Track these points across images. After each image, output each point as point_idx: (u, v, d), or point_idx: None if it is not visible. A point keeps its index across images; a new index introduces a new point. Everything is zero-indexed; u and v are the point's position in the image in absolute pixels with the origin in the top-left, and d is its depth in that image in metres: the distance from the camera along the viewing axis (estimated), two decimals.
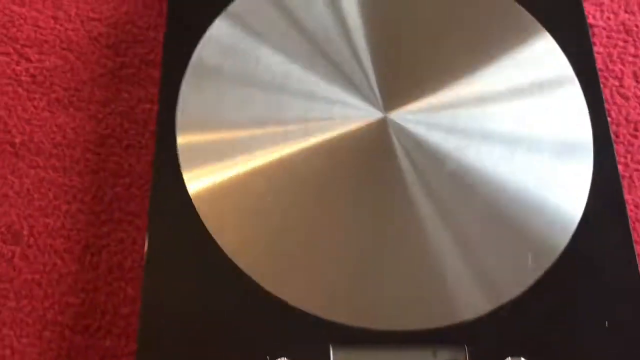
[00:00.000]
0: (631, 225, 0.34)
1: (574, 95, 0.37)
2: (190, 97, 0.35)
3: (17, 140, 0.38)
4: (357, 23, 0.38)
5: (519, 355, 0.31)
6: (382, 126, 0.36)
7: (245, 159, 0.35)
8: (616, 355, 0.32)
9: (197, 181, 0.34)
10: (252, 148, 0.35)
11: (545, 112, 0.37)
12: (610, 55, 0.42)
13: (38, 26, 0.41)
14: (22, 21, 0.41)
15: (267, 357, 0.31)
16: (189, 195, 0.34)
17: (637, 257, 0.33)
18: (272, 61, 0.37)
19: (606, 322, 0.32)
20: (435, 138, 0.35)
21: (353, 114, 0.36)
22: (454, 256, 0.33)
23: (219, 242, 0.33)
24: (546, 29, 0.39)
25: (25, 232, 0.36)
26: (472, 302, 0.32)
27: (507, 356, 0.31)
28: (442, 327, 0.32)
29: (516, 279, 0.33)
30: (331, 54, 0.37)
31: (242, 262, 0.33)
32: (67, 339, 0.34)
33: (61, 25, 0.41)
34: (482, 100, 0.37)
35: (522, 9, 0.39)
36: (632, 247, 0.34)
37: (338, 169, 0.35)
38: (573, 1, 0.40)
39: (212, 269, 0.32)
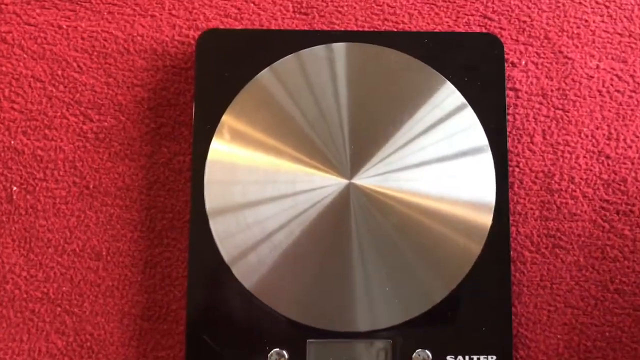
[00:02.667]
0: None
1: (485, 164, 0.52)
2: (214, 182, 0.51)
3: (90, 185, 0.54)
4: (340, 103, 0.52)
5: (424, 348, 0.50)
6: (346, 190, 0.51)
7: (259, 200, 0.51)
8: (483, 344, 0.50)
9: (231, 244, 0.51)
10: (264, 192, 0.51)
11: (460, 175, 0.52)
12: (527, 115, 0.56)
13: (95, 91, 0.55)
14: (83, 87, 0.55)
15: (267, 348, 0.50)
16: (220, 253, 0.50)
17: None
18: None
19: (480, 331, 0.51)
20: (384, 194, 0.51)
21: (328, 183, 0.51)
22: (384, 279, 0.51)
23: (237, 276, 0.50)
24: (471, 104, 0.53)
25: (104, 253, 0.53)
26: (395, 313, 0.50)
27: (417, 348, 0.50)
28: (379, 329, 0.50)
29: (426, 298, 0.51)
30: (315, 135, 0.52)
31: (254, 289, 0.50)
32: (138, 325, 0.53)
33: (113, 90, 0.55)
34: (418, 164, 0.52)
35: (453, 88, 0.53)
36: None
37: (321, 225, 0.51)
38: (498, 82, 0.53)
39: (229, 294, 0.50)
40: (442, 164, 0.52)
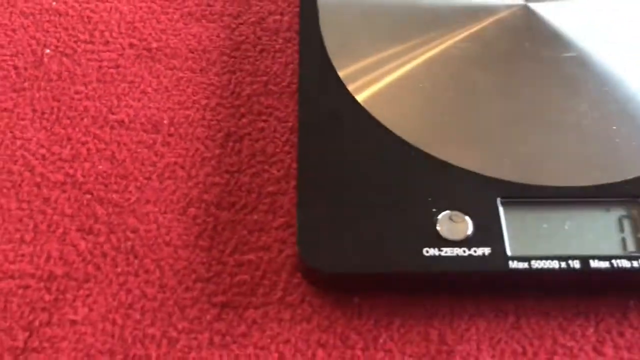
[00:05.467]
0: None
1: None
2: None
3: (153, 46, 0.39)
4: None
5: None
6: (526, 12, 0.36)
7: (393, 43, 0.35)
8: None
9: (346, 60, 0.34)
10: (399, 30, 0.35)
11: None
12: None
13: None
14: None
15: (434, 210, 0.30)
16: (337, 73, 0.34)
17: None
18: None
19: None
20: (579, 23, 0.35)
21: (496, 4, 0.36)
22: (618, 119, 0.32)
23: (374, 114, 0.32)
24: None
25: (165, 122, 0.36)
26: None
27: None
28: (614, 183, 0.31)
29: None
30: None
31: (401, 130, 0.32)
32: (212, 215, 0.33)
33: None
34: None
35: None
36: None
37: (487, 48, 0.35)
38: None
39: (368, 138, 0.32)
40: None
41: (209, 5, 0.40)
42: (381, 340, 0.30)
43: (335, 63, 0.34)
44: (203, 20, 0.40)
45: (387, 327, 0.30)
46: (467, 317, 0.30)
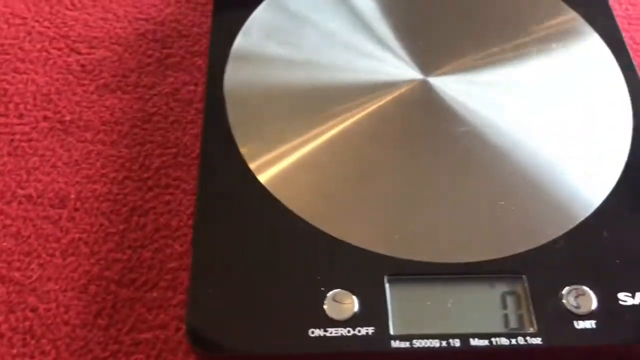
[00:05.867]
0: None
1: (606, 61, 0.39)
2: (239, 63, 0.37)
3: (67, 119, 0.39)
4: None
5: (578, 284, 0.31)
6: (423, 88, 0.37)
7: (295, 122, 0.36)
8: None
9: (248, 137, 0.35)
10: (301, 109, 0.36)
11: (577, 74, 0.38)
12: (633, 38, 0.44)
13: (89, 26, 0.43)
14: (74, 22, 0.43)
15: (322, 289, 0.30)
16: (237, 148, 0.34)
17: None
18: (314, 38, 0.39)
19: None
20: (476, 97, 0.37)
21: (395, 80, 0.37)
22: (506, 194, 0.33)
23: (272, 190, 0.33)
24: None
25: (72, 197, 0.36)
26: (529, 235, 0.32)
27: (566, 285, 0.30)
28: (498, 259, 0.31)
29: (571, 212, 0.33)
30: (369, 30, 0.39)
31: (297, 208, 0.32)
32: (112, 292, 0.33)
33: (110, 24, 0.43)
34: (515, 63, 0.38)
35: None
36: None
37: (386, 124, 0.35)
38: None
39: (262, 213, 0.32)
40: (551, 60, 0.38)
41: (124, 76, 0.41)
42: None
43: (237, 139, 0.34)
44: (118, 92, 0.40)
45: None
46: None
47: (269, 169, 0.33)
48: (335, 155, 0.34)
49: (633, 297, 0.30)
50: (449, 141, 0.35)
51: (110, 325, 0.32)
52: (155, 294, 0.33)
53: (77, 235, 0.35)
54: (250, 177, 0.33)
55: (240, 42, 0.38)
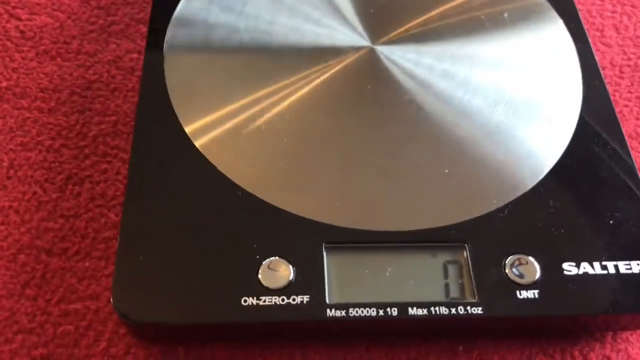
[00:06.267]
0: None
1: (557, 31, 0.38)
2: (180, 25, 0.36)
3: (3, 85, 0.38)
4: None
5: (522, 254, 0.30)
6: (371, 56, 0.36)
7: (235, 87, 0.34)
8: (616, 249, 0.30)
9: (185, 101, 0.33)
10: (242, 75, 0.35)
11: (532, 44, 0.37)
12: (589, 11, 0.43)
13: None
14: None
15: (257, 257, 0.29)
16: (174, 112, 0.33)
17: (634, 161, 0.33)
18: (260, 4, 0.38)
19: (609, 219, 0.31)
20: (423, 66, 0.36)
21: (342, 46, 0.36)
22: (451, 163, 0.32)
23: (208, 156, 0.32)
24: None
25: (5, 164, 0.35)
26: (473, 204, 0.31)
27: (509, 255, 0.30)
28: (441, 227, 0.30)
29: (516, 181, 0.32)
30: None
31: (233, 174, 0.31)
32: (42, 262, 0.32)
33: None
34: (469, 34, 0.37)
35: None
36: (628, 150, 0.33)
37: (330, 92, 0.34)
38: None
39: (197, 179, 0.31)
40: (505, 31, 0.38)
41: (65, 43, 0.40)
42: None
43: (174, 103, 0.33)
44: (58, 59, 0.39)
45: None
46: None
47: (206, 134, 0.32)
48: (276, 122, 0.33)
49: (577, 267, 0.30)
50: (394, 110, 0.34)
51: (38, 295, 0.31)
52: (87, 264, 0.32)
53: (7, 204, 0.33)
54: (186, 142, 0.32)
55: (182, 7, 0.37)
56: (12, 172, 0.34)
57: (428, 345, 0.30)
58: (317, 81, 0.34)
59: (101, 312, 0.31)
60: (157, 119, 0.33)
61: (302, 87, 0.34)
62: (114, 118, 0.37)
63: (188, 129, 0.32)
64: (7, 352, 0.29)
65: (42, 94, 0.37)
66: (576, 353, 0.30)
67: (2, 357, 0.29)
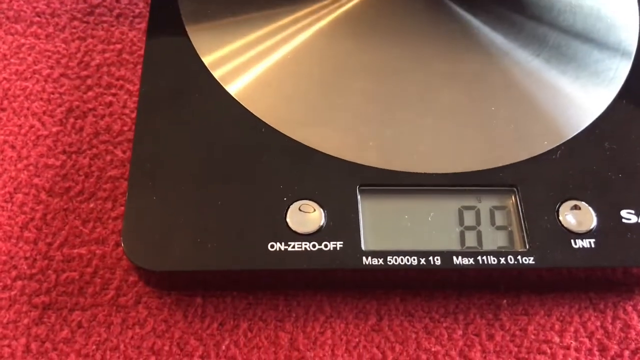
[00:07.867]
0: None
1: None
2: None
3: None
4: None
5: (576, 200, 0.27)
6: None
7: (257, 16, 0.31)
8: None
9: (202, 28, 0.30)
10: (266, 4, 0.31)
11: None
12: None
13: None
14: None
15: (285, 199, 0.26)
16: (190, 40, 0.29)
17: None
18: None
19: None
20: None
21: None
22: (499, 101, 0.29)
23: (228, 88, 0.28)
24: None
25: None
26: (522, 145, 0.28)
27: (563, 200, 0.27)
28: (487, 169, 0.27)
29: (570, 121, 0.29)
30: None
31: (256, 108, 0.28)
32: (42, 202, 0.29)
33: None
34: None
35: None
36: None
37: (368, 18, 0.31)
38: None
39: (217, 114, 0.28)
40: None
41: None
42: (224, 347, 0.26)
43: (189, 31, 0.30)
44: None
45: (232, 331, 0.26)
46: (324, 318, 0.27)
47: (226, 65, 0.29)
48: (304, 52, 0.30)
49: (637, 214, 0.27)
50: (435, 39, 0.30)
51: (38, 238, 0.28)
52: (92, 205, 0.29)
53: (2, 138, 0.30)
54: (204, 73, 0.29)
55: None
56: (6, 102, 0.31)
57: (468, 298, 0.28)
58: (350, 4, 0.31)
59: (108, 258, 0.28)
60: (170, 47, 0.29)
61: (332, 11, 0.31)
62: (118, 46, 0.33)
63: (206, 59, 0.29)
64: (6, 300, 0.26)
65: (38, 18, 0.34)
66: (629, 308, 0.28)
67: (1, 304, 0.26)
